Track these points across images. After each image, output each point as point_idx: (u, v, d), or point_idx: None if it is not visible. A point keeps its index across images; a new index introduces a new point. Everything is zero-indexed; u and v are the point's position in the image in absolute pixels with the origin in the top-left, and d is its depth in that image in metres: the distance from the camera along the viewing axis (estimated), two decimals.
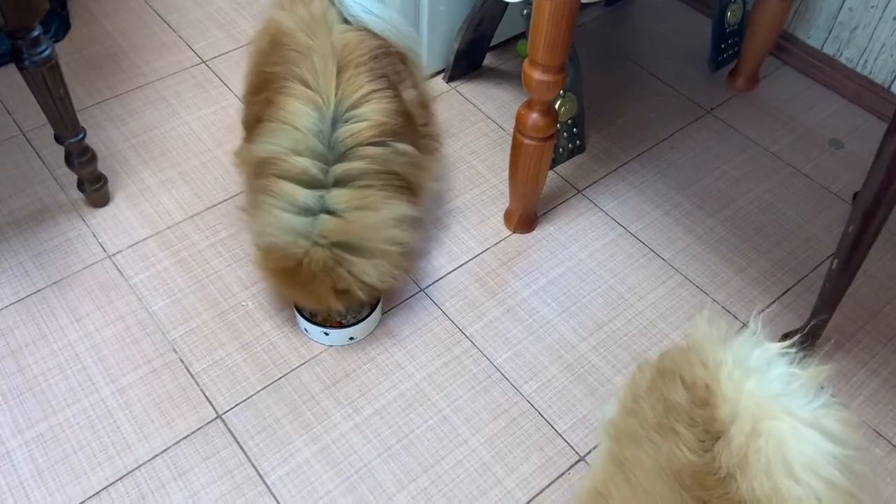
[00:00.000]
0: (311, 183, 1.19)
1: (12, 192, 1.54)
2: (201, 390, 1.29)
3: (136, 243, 1.47)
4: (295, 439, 1.24)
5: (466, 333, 1.37)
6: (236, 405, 1.27)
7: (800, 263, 1.49)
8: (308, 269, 1.18)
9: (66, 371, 1.30)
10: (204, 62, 1.82)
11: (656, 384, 0.91)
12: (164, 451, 1.22)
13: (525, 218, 1.50)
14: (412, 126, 1.31)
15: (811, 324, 1.24)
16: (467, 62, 1.80)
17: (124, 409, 1.26)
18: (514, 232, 1.52)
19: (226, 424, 1.25)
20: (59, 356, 1.31)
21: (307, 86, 1.19)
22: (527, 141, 1.33)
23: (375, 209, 1.20)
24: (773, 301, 1.44)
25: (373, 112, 1.21)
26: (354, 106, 1.20)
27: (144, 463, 1.20)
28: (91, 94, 1.73)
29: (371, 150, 1.21)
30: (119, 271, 1.43)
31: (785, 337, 1.30)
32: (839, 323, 1.40)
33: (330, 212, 1.18)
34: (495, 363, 1.33)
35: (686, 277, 1.47)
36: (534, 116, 1.31)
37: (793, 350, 0.86)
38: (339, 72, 1.20)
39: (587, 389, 1.31)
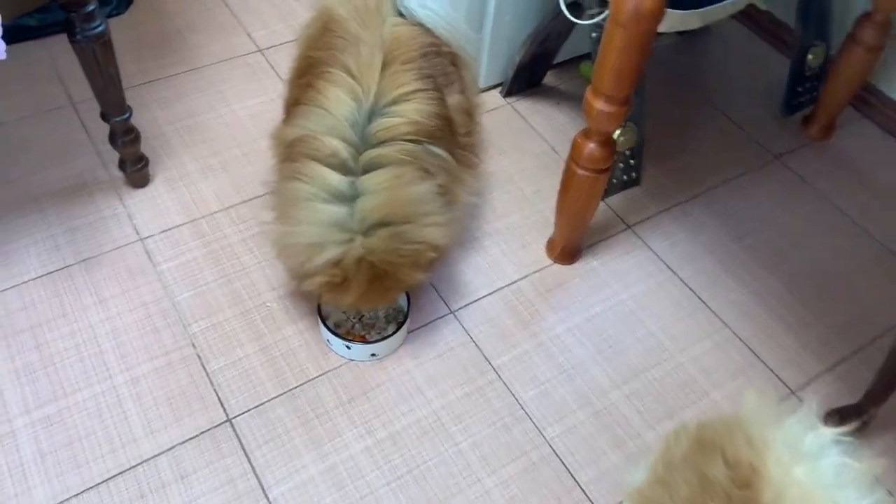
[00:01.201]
0: (341, 167, 1.13)
1: (54, 162, 1.52)
2: (215, 390, 1.25)
3: (169, 229, 1.44)
4: (303, 454, 1.19)
5: (493, 364, 1.31)
6: (248, 410, 1.23)
7: (859, 333, 1.40)
8: (359, 267, 1.12)
9: (83, 353, 1.27)
10: (260, 51, 1.79)
11: (693, 455, 0.84)
12: (170, 449, 1.18)
13: (568, 249, 1.43)
14: (451, 133, 1.25)
15: (866, 410, 1.15)
16: (527, 78, 1.73)
17: (135, 401, 1.23)
18: (555, 262, 1.45)
19: (234, 430, 1.21)
20: (78, 337, 1.29)
21: (350, 74, 1.15)
22: (580, 171, 1.27)
23: (414, 184, 1.14)
24: (826, 370, 1.34)
25: (411, 111, 1.16)
26: (394, 102, 1.15)
27: (148, 459, 1.17)
28: (142, 72, 1.71)
29: (404, 144, 1.15)
30: (148, 256, 1.40)
31: (835, 413, 1.21)
32: None
33: (363, 193, 1.12)
34: (520, 400, 1.27)
35: (734, 333, 1.38)
36: (590, 147, 1.24)
37: (849, 437, 0.78)
38: (385, 65, 1.15)
39: (614, 441, 1.23)
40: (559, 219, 1.39)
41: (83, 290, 1.35)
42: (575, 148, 1.26)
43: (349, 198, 1.12)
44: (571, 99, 1.75)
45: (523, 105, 1.73)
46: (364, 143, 1.14)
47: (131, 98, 1.62)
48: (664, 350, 1.35)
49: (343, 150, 1.13)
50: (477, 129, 1.37)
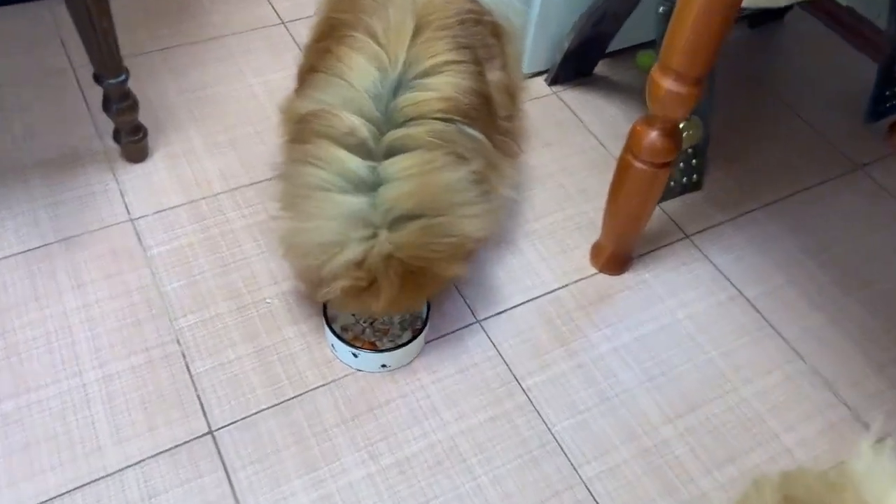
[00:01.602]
0: (359, 148, 0.96)
1: (45, 130, 1.37)
2: (198, 396, 1.08)
3: (164, 210, 1.28)
4: (294, 479, 1.01)
5: (523, 385, 1.12)
6: (234, 422, 1.05)
7: None
8: (388, 265, 0.95)
9: (53, 343, 1.11)
10: (283, 23, 1.63)
11: None
12: (139, 462, 1.01)
13: (617, 257, 1.23)
14: (491, 115, 1.07)
15: None
16: (576, 65, 1.54)
17: (105, 402, 1.06)
18: (600, 271, 1.26)
19: (217, 444, 1.03)
20: (49, 324, 1.13)
21: (375, 40, 0.97)
22: (637, 164, 1.07)
23: (447, 171, 0.96)
24: None
25: (445, 84, 0.98)
26: (425, 74, 0.97)
27: (113, 473, 1.00)
28: (154, 38, 1.56)
29: (435, 124, 0.97)
30: (138, 238, 1.24)
31: None
32: None
33: (386, 180, 0.95)
34: (553, 430, 1.08)
35: (810, 366, 1.17)
36: (652, 136, 1.04)
37: None
38: (417, 31, 0.97)
39: (665, 487, 1.03)
40: (608, 221, 1.19)
41: (60, 273, 1.19)
42: (633, 137, 1.07)
43: (370, 186, 0.94)
44: (626, 92, 1.55)
45: (570, 95, 1.54)
46: (387, 120, 0.96)
47: (140, 65, 1.47)
48: (726, 381, 1.14)
49: (362, 129, 0.95)
50: (519, 114, 1.19)
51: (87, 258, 1.20)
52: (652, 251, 1.30)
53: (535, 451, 1.05)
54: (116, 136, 1.29)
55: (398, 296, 0.98)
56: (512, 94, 1.14)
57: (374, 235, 0.94)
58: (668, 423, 1.09)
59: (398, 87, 0.97)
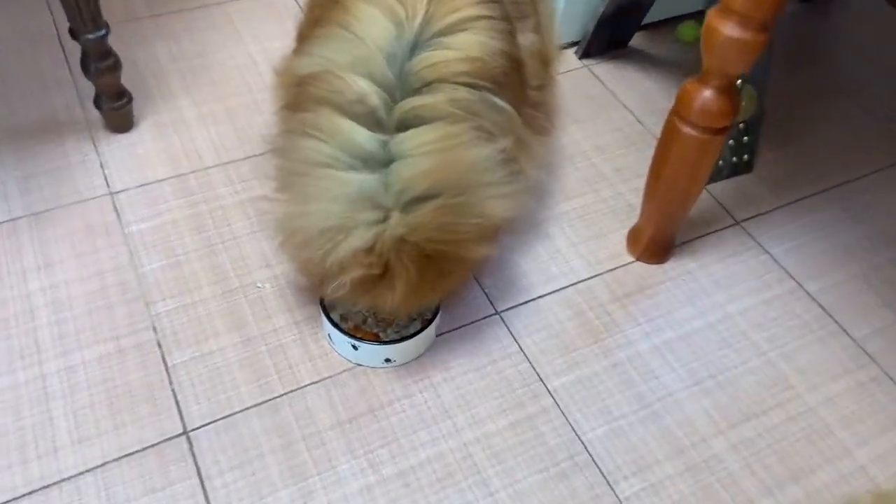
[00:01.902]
0: (366, 118, 0.81)
1: (23, 96, 1.24)
2: (173, 391, 0.93)
3: (149, 184, 1.14)
4: (279, 489, 0.86)
5: (549, 386, 0.96)
6: (213, 422, 0.91)
7: None
8: (402, 250, 0.80)
9: (12, 329, 0.97)
10: None
11: None
12: (99, 466, 0.87)
13: (658, 242, 1.08)
14: (520, 83, 0.92)
15: None
16: (610, 36, 1.39)
17: (65, 396, 0.92)
18: (638, 259, 1.10)
19: (191, 446, 0.89)
20: (9, 307, 0.99)
21: None
22: (687, 130, 0.92)
23: (472, 147, 0.82)
24: None
25: (470, 44, 0.83)
26: (447, 31, 0.82)
27: (69, 478, 0.85)
28: (150, 4, 1.43)
29: (456, 90, 0.83)
30: (116, 214, 1.10)
31: None
32: None
33: (397, 157, 0.81)
34: (584, 438, 0.92)
35: (884, 371, 1.00)
36: (706, 95, 0.89)
37: None
38: None
39: None
40: (649, 200, 1.04)
41: (26, 250, 1.05)
42: (683, 97, 0.91)
43: (380, 163, 0.80)
44: (665, 66, 1.40)
45: (603, 69, 1.39)
46: (402, 85, 0.82)
47: (133, 32, 1.35)
48: (788, 387, 0.98)
49: (372, 96, 0.80)
50: (552, 84, 1.04)
51: (57, 235, 1.07)
52: (697, 238, 1.14)
53: (562, 463, 0.90)
54: (98, 101, 1.16)
55: (417, 285, 0.83)
56: (545, 61, 1.00)
57: (386, 218, 0.79)
58: (719, 435, 0.93)
59: (416, 46, 0.82)
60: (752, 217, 1.17)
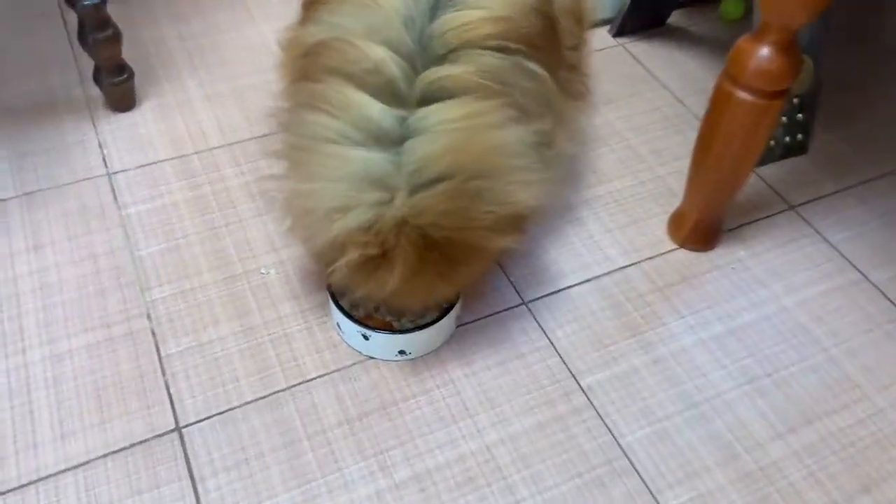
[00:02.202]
0: (385, 90, 0.72)
1: (23, 74, 1.18)
2: (166, 383, 0.84)
3: (149, 164, 1.06)
4: (279, 493, 0.76)
5: (582, 384, 0.86)
6: (208, 417, 0.82)
7: None
8: (401, 233, 0.71)
9: None
10: None
11: None
12: (82, 465, 0.78)
13: (704, 227, 0.97)
14: (555, 44, 0.83)
15: None
16: (647, 13, 1.30)
17: (50, 387, 0.83)
18: (681, 246, 0.99)
19: (184, 443, 0.80)
20: None
21: None
22: (741, 94, 0.81)
23: (501, 128, 0.72)
24: None
25: (496, 1, 0.74)
26: None
27: (47, 477, 0.77)
28: None
29: (484, 56, 0.74)
30: (114, 195, 1.02)
31: None
32: None
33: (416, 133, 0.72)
34: (622, 442, 0.81)
35: None
36: (763, 54, 0.79)
37: None
38: None
39: None
40: (694, 179, 0.93)
41: (16, 232, 0.98)
42: (736, 57, 0.81)
43: (394, 140, 0.71)
44: (708, 44, 1.30)
45: (640, 48, 1.29)
46: (424, 52, 0.73)
47: (140, 12, 1.29)
48: (855, 387, 0.86)
49: (390, 65, 0.72)
50: (587, 44, 0.94)
51: (50, 216, 0.99)
52: (747, 224, 1.03)
53: (598, 468, 0.79)
54: (97, 76, 1.09)
55: (419, 270, 0.73)
56: (578, 18, 0.91)
57: (391, 200, 0.70)
58: (777, 440, 0.82)
59: (436, 6, 0.74)
60: (808, 202, 1.06)
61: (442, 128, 0.71)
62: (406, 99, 0.72)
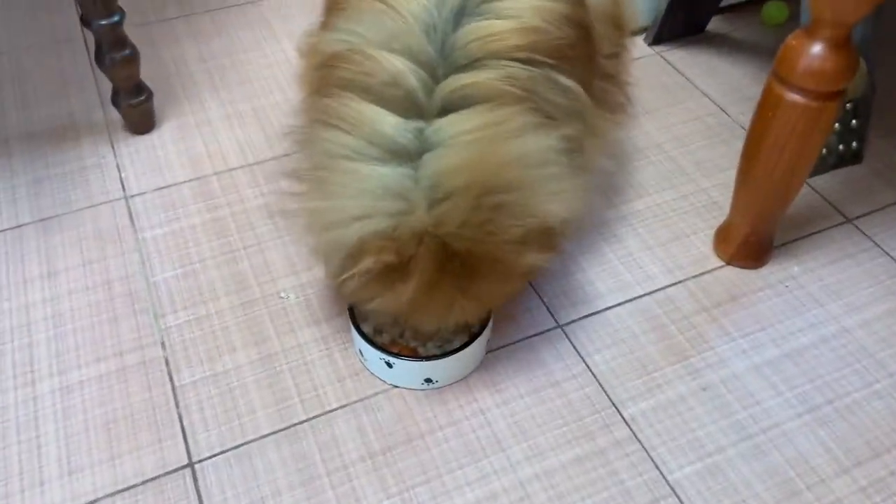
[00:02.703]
0: (402, 103, 0.68)
1: (44, 98, 1.16)
2: (179, 415, 0.80)
3: (167, 186, 1.03)
4: None
5: (624, 413, 0.79)
6: (223, 452, 0.77)
7: None
8: (422, 243, 0.66)
9: (6, 344, 0.86)
10: None
11: None
12: (90, 503, 0.73)
13: (754, 241, 0.90)
14: (589, 53, 0.77)
15: None
16: (684, 20, 1.24)
17: (59, 420, 0.79)
18: (729, 262, 0.92)
19: (196, 481, 0.75)
20: (6, 320, 0.88)
21: None
22: (792, 96, 0.75)
23: (524, 136, 0.67)
24: None
25: (526, 9, 0.69)
26: None
27: None
28: (181, 4, 1.35)
29: (512, 67, 0.68)
30: (131, 219, 0.99)
31: None
32: None
33: (432, 147, 0.67)
34: (669, 478, 0.74)
35: None
36: (815, 51, 0.72)
37: None
38: None
39: None
40: (742, 190, 0.86)
41: (31, 258, 0.94)
42: (786, 55, 0.75)
43: (412, 155, 0.66)
44: (750, 51, 1.23)
45: (678, 55, 1.23)
46: (446, 62, 0.68)
47: (161, 32, 1.27)
48: None
49: (408, 76, 0.67)
50: (627, 52, 0.89)
51: (66, 241, 0.96)
52: (800, 239, 0.95)
53: None
54: (115, 97, 1.06)
55: (438, 282, 0.68)
56: (618, 24, 0.85)
57: (411, 211, 0.65)
58: (843, 475, 0.74)
59: (461, 15, 0.69)
60: (866, 214, 0.98)
61: (458, 140, 0.66)
62: (426, 110, 0.68)
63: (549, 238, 0.70)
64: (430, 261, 0.67)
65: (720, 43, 1.25)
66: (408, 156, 0.67)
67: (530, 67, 0.69)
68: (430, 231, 0.66)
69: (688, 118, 1.12)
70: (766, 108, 0.78)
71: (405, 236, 0.66)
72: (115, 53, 1.00)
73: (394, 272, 0.68)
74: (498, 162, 0.66)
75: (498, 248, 0.67)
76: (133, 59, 1.02)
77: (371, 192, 0.67)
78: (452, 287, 0.69)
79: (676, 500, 0.72)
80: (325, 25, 0.80)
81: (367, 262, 0.67)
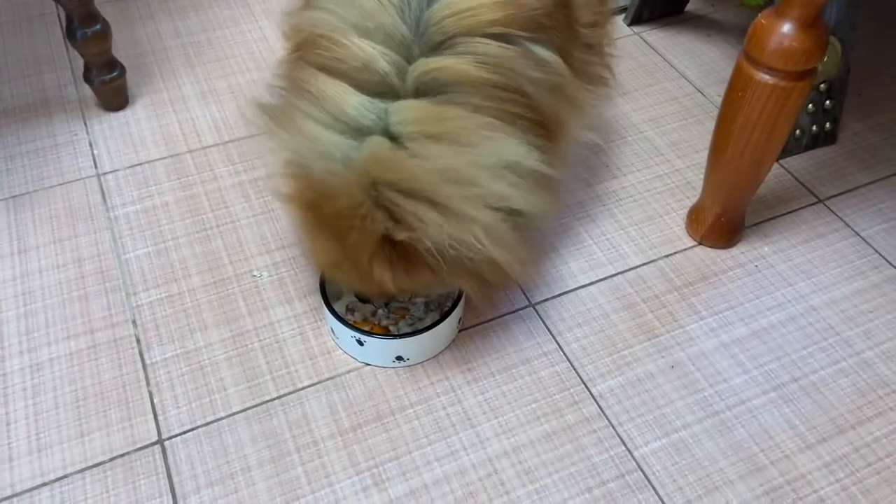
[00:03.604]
0: (376, 86, 0.68)
1: (14, 74, 1.14)
2: (149, 392, 0.80)
3: (140, 164, 1.02)
4: None
5: (593, 390, 0.80)
6: (193, 429, 0.77)
7: None
8: (340, 207, 0.67)
9: None
10: None
11: None
12: (59, 479, 0.73)
13: (725, 222, 0.91)
14: (568, 21, 0.77)
15: None
16: (663, 0, 1.23)
17: (28, 398, 0.79)
18: (700, 242, 0.93)
19: (166, 457, 0.75)
20: None
21: None
22: (761, 75, 0.75)
23: (461, 144, 0.67)
24: None
25: None
26: None
27: (22, 493, 0.72)
28: None
29: (487, 45, 0.68)
30: (102, 196, 0.98)
31: None
32: None
33: (391, 135, 0.67)
34: (636, 453, 0.75)
35: None
36: (785, 30, 0.72)
37: None
38: None
39: None
40: (714, 170, 0.87)
41: (1, 235, 0.94)
42: (756, 34, 0.75)
43: (366, 131, 0.67)
44: (728, 31, 1.23)
45: (656, 36, 1.23)
46: (420, 40, 0.68)
47: (135, 8, 1.26)
48: (891, 393, 0.79)
49: (380, 61, 0.67)
50: (609, 21, 0.88)
51: (36, 218, 0.95)
52: (771, 219, 0.96)
53: (610, 482, 0.73)
54: (87, 74, 1.05)
55: (357, 256, 0.70)
56: None
57: (347, 179, 0.66)
58: (806, 451, 0.75)
59: None
60: (839, 195, 0.99)
61: (404, 130, 0.66)
62: (400, 92, 0.68)
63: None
64: (367, 243, 0.68)
65: (699, 24, 1.25)
66: (368, 133, 0.67)
67: (505, 44, 0.69)
68: (361, 206, 0.66)
69: (665, 99, 1.12)
70: (737, 88, 0.78)
71: (337, 214, 0.66)
72: (86, 28, 0.99)
73: (327, 235, 0.70)
74: (415, 172, 0.66)
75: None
76: (104, 34, 1.01)
77: (320, 154, 0.67)
78: (378, 263, 0.70)
79: (642, 475, 0.73)
80: (306, 4, 0.79)
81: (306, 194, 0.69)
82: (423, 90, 0.67)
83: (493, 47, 0.68)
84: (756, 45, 0.74)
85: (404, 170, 0.65)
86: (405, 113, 0.67)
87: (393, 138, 0.67)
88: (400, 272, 0.70)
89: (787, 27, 0.72)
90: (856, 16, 0.97)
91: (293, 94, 0.71)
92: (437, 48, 0.68)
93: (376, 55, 0.67)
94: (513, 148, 0.69)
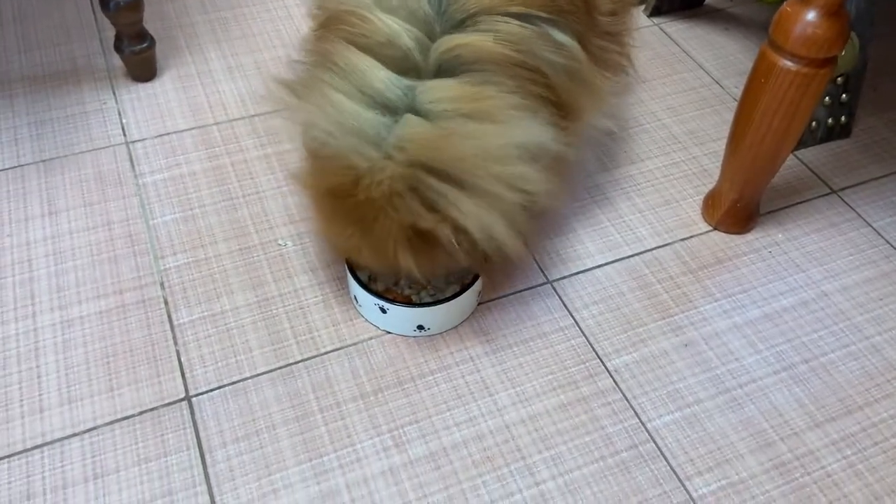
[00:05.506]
0: (399, 63, 0.70)
1: (44, 43, 1.16)
2: (177, 352, 0.82)
3: (168, 133, 1.04)
4: (289, 466, 0.73)
5: (608, 365, 0.82)
6: (219, 387, 0.79)
7: None
8: (369, 193, 0.69)
9: (7, 278, 0.87)
10: None
11: None
12: (89, 430, 0.76)
13: (741, 207, 0.93)
14: (587, 10, 0.79)
15: None
16: None
17: (59, 353, 0.81)
18: (716, 227, 0.95)
19: (193, 413, 0.77)
20: (9, 255, 0.90)
21: None
22: (784, 62, 0.77)
23: (492, 121, 0.69)
24: None
25: None
26: None
27: (53, 442, 0.75)
28: None
29: (508, 24, 0.70)
30: (131, 163, 1.00)
31: None
32: None
33: (419, 114, 0.69)
34: (649, 426, 0.77)
35: None
36: (809, 18, 0.74)
37: None
38: None
39: None
40: (732, 156, 0.89)
41: (33, 197, 0.96)
42: (780, 22, 0.77)
43: (399, 109, 0.69)
44: (746, 25, 1.25)
45: (676, 28, 1.25)
46: (442, 17, 0.70)
47: None
48: None
49: (404, 37, 0.69)
50: (628, 10, 0.90)
51: (67, 182, 0.98)
52: (785, 207, 0.98)
53: (622, 452, 0.75)
54: (118, 43, 1.07)
55: (380, 242, 0.72)
56: None
57: (375, 163, 0.68)
58: (815, 429, 0.77)
59: None
60: (853, 186, 1.01)
61: (435, 108, 0.68)
62: (423, 70, 0.70)
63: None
64: (391, 231, 0.70)
65: (718, 17, 1.27)
66: (394, 110, 0.69)
67: (525, 24, 0.71)
68: (391, 194, 0.68)
69: (683, 88, 1.14)
70: (759, 75, 0.80)
71: (365, 200, 0.69)
72: None
73: (350, 221, 0.72)
74: (456, 151, 0.68)
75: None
76: (137, 5, 1.03)
77: (350, 130, 0.69)
78: (400, 249, 0.72)
79: (654, 446, 0.76)
80: None
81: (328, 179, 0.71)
82: (446, 67, 0.70)
83: (514, 26, 0.70)
84: (781, 32, 0.76)
85: (446, 149, 0.67)
86: (438, 91, 0.68)
87: (421, 115, 0.69)
88: (423, 258, 0.72)
89: (811, 15, 0.74)
90: (872, 11, 0.99)
91: (319, 68, 0.73)
92: (458, 25, 0.70)
93: (400, 31, 0.69)
94: (538, 129, 0.71)
